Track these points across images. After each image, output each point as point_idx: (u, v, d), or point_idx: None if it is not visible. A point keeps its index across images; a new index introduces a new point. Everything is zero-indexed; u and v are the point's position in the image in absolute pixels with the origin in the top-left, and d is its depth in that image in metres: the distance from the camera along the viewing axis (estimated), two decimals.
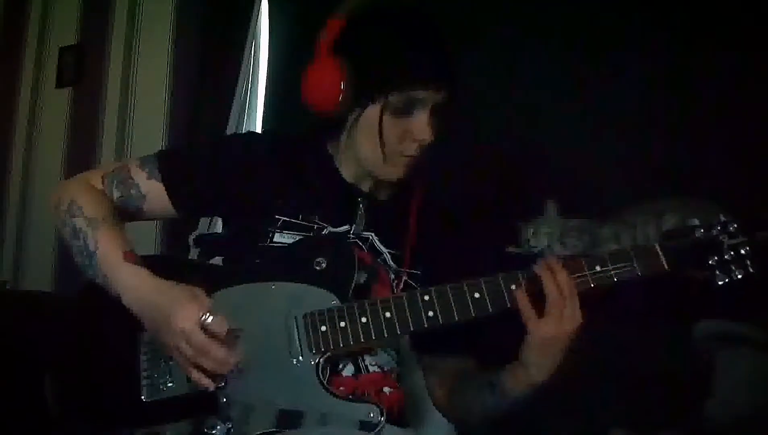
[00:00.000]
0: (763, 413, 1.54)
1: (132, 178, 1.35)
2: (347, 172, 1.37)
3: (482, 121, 2.17)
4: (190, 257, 1.96)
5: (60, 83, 3.10)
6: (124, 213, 1.35)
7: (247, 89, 2.63)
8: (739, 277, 1.13)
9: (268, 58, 2.64)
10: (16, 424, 1.72)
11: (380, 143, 1.27)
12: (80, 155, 2.98)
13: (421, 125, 1.25)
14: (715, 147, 1.90)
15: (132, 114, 2.89)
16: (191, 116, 2.66)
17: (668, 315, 1.78)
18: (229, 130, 2.53)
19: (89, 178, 1.37)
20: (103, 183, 1.36)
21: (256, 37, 2.63)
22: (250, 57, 2.60)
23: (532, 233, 1.97)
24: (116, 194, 1.35)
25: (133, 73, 2.91)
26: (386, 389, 1.30)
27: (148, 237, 2.62)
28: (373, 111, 1.26)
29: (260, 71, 2.67)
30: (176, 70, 2.79)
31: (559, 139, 2.11)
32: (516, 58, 2.17)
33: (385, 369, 1.32)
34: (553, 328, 1.14)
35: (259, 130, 2.60)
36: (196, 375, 1.17)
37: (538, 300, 1.16)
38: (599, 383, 1.73)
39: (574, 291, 1.15)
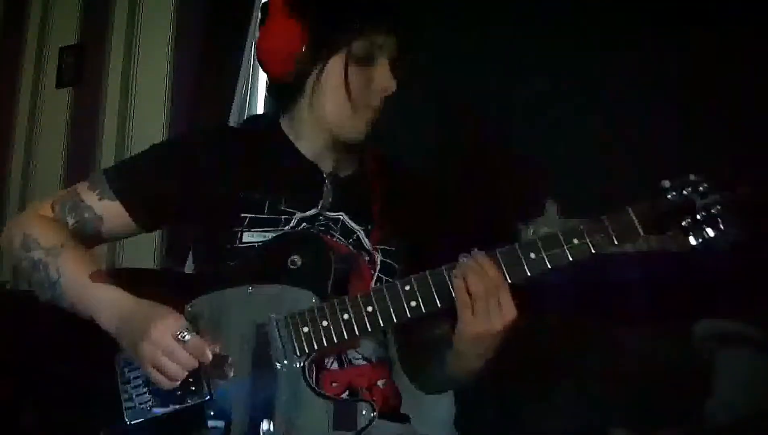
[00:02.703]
0: (762, 413, 1.54)
1: (83, 202, 1.31)
2: (307, 149, 1.36)
3: (483, 121, 2.17)
4: (188, 261, 1.95)
5: (60, 83, 3.09)
6: (83, 238, 1.30)
7: (247, 89, 2.63)
8: (711, 235, 1.12)
9: None
10: (14, 425, 1.71)
11: (347, 94, 1.28)
12: (80, 155, 2.97)
13: (383, 72, 1.28)
14: (715, 147, 1.89)
15: (132, 114, 2.89)
16: (191, 116, 2.65)
17: (668, 315, 1.77)
18: None
19: (38, 208, 1.33)
20: (53, 211, 1.32)
21: (256, 37, 2.63)
22: (250, 57, 2.59)
23: (532, 233, 1.96)
24: (70, 221, 1.31)
25: (133, 73, 2.91)
26: (380, 383, 1.29)
27: (147, 242, 2.60)
28: (336, 63, 1.28)
29: (260, 71, 2.66)
30: (176, 70, 2.78)
31: (559, 139, 2.11)
32: (516, 56, 2.17)
33: (373, 360, 1.30)
34: (481, 325, 1.13)
35: None
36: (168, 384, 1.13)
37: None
38: (599, 383, 1.73)
39: (502, 287, 1.13)
